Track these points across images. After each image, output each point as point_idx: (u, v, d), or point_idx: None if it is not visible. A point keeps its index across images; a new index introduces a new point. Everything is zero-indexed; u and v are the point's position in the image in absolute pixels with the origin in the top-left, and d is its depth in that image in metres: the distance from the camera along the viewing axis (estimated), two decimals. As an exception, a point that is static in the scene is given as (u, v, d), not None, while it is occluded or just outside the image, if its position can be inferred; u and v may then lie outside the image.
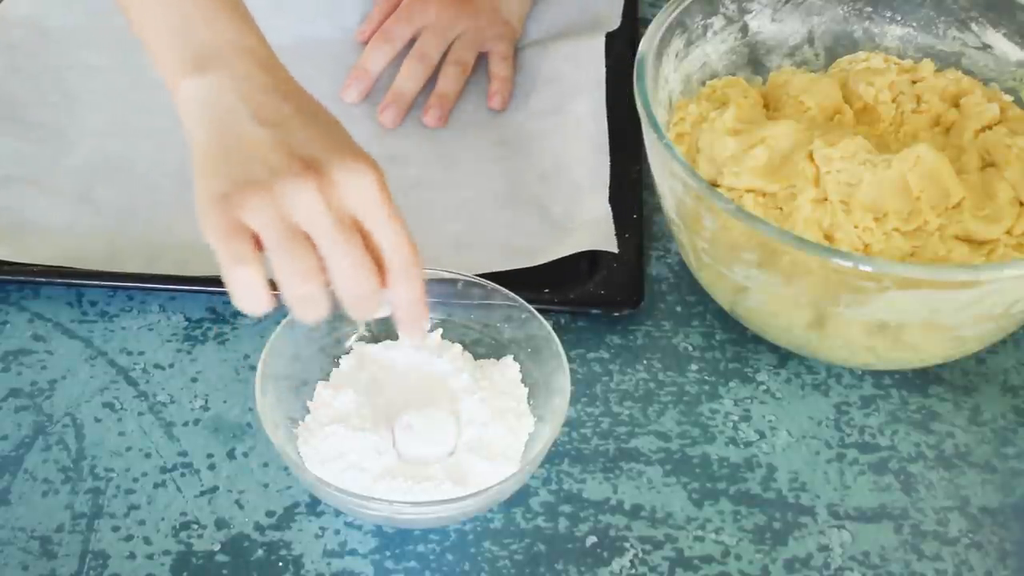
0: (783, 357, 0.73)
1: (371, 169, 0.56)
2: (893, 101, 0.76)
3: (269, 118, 0.57)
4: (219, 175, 0.55)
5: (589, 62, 0.89)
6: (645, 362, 0.73)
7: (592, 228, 0.77)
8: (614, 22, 0.94)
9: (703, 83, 0.78)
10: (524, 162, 0.85)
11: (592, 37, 0.91)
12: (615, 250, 0.76)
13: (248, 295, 0.55)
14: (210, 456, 0.67)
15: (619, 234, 0.77)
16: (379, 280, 0.56)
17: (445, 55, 0.90)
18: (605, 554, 0.63)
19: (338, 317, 0.59)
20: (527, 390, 0.66)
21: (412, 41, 0.90)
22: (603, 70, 0.89)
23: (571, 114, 0.87)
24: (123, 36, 0.91)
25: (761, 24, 0.80)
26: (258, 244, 0.55)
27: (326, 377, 0.66)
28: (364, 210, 0.56)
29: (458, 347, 0.67)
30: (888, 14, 0.81)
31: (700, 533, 0.64)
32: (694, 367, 0.73)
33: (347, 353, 0.67)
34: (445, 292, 0.67)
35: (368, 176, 0.55)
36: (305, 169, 0.55)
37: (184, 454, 0.67)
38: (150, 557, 0.62)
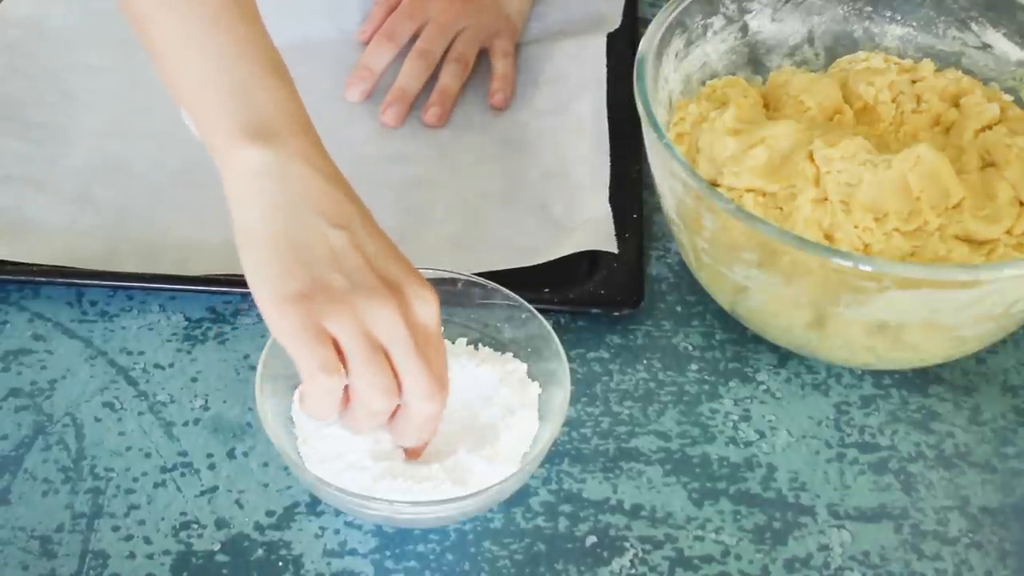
0: (783, 357, 0.73)
1: (435, 297, 0.58)
2: (893, 101, 0.76)
3: (340, 219, 0.58)
4: (292, 274, 0.56)
5: (590, 62, 0.89)
6: (645, 362, 0.73)
7: (592, 228, 0.77)
8: (615, 22, 0.94)
9: (703, 83, 0.78)
10: (525, 161, 0.84)
11: (593, 36, 0.91)
12: (615, 250, 0.76)
13: (326, 402, 0.57)
14: (210, 456, 0.67)
15: (619, 234, 0.77)
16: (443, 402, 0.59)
17: (446, 52, 0.90)
18: (605, 554, 0.63)
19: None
20: (540, 390, 0.66)
21: (414, 39, 0.90)
22: (604, 70, 0.89)
23: (572, 114, 0.87)
24: (123, 36, 0.91)
25: (761, 24, 0.80)
26: (336, 351, 0.56)
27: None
28: (428, 333, 0.58)
29: (462, 341, 0.67)
30: (888, 14, 0.81)
31: (700, 533, 0.64)
32: (694, 367, 0.73)
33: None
34: (445, 292, 0.67)
35: (434, 305, 0.58)
36: (387, 290, 0.57)
37: (184, 454, 0.67)
38: (150, 557, 0.62)
